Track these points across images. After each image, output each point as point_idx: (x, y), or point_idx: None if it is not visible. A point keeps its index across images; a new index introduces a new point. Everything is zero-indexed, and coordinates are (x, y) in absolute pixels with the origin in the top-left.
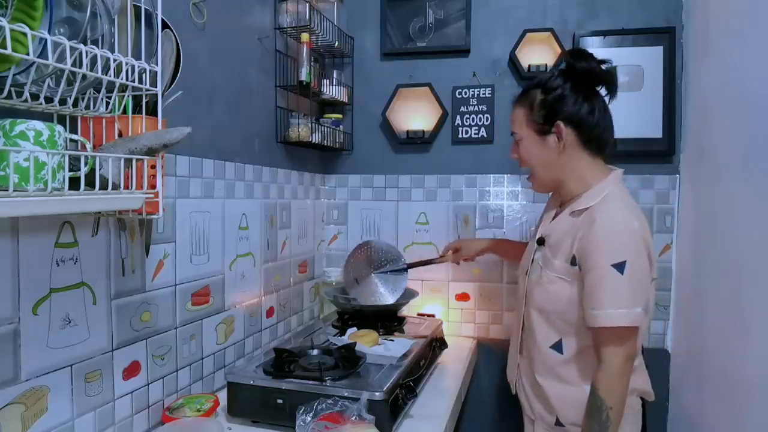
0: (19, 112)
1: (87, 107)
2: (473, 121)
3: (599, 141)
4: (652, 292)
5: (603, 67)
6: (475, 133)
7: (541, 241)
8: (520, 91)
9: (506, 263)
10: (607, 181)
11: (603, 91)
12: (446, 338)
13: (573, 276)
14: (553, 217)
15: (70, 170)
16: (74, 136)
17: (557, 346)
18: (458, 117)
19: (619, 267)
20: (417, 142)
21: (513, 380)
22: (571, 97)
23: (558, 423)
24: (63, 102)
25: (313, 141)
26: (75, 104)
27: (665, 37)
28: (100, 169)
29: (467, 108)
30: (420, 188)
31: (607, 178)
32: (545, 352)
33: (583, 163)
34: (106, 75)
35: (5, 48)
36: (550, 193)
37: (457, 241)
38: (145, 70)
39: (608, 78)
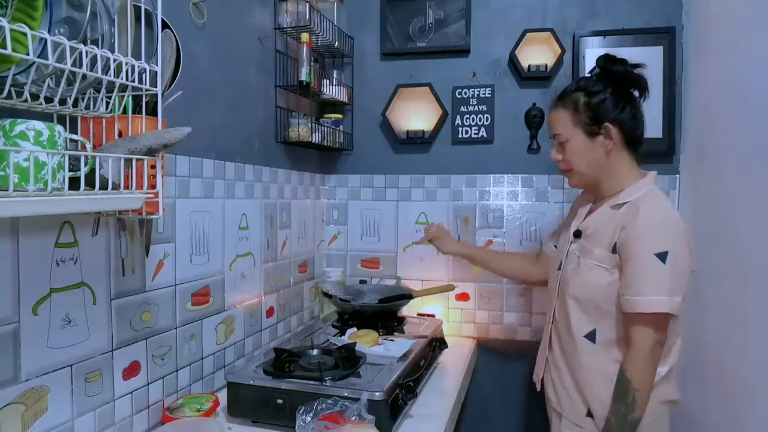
0: (19, 112)
1: (87, 107)
2: (473, 121)
3: (637, 141)
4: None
5: (636, 71)
6: (475, 133)
7: (577, 234)
8: (559, 95)
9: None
10: (647, 180)
11: (635, 94)
12: (446, 338)
13: (612, 263)
14: (587, 213)
15: (70, 170)
16: (74, 136)
17: (591, 336)
18: (458, 117)
19: (662, 256)
20: (417, 142)
21: (540, 376)
22: (615, 100)
23: (589, 414)
24: (63, 102)
25: (313, 141)
26: (75, 104)
27: (665, 37)
28: (100, 169)
29: (467, 108)
30: (420, 188)
31: (645, 177)
32: (579, 340)
33: (624, 162)
34: (106, 75)
35: (5, 48)
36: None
37: (437, 228)
38: (145, 70)
39: (642, 81)
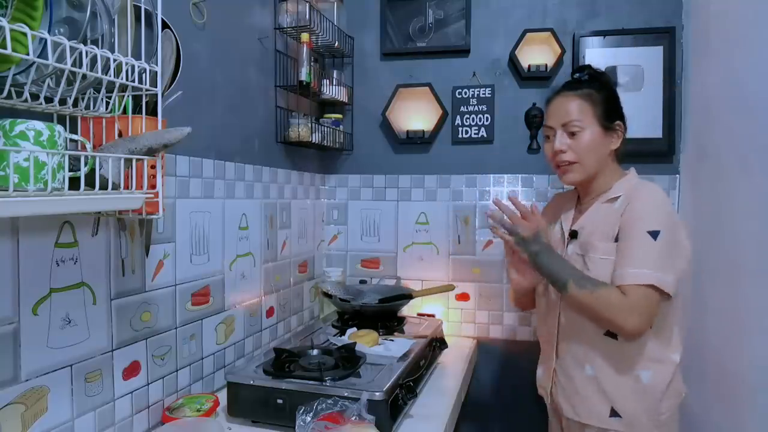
0: (19, 112)
1: (87, 107)
2: (473, 121)
3: (624, 143)
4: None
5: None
6: (475, 133)
7: (574, 234)
8: (570, 83)
9: (505, 263)
10: (631, 175)
11: None
12: (446, 338)
13: (614, 252)
14: (575, 214)
15: (70, 170)
16: (74, 136)
17: (611, 332)
18: (458, 117)
19: (654, 234)
20: (417, 142)
21: (547, 389)
22: (618, 102)
23: (613, 414)
24: (63, 102)
25: (313, 141)
26: (75, 104)
27: (665, 37)
28: (100, 169)
29: (467, 108)
30: (420, 188)
31: (628, 173)
32: (598, 340)
33: (615, 162)
34: (106, 75)
35: (5, 48)
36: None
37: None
38: (145, 70)
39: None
